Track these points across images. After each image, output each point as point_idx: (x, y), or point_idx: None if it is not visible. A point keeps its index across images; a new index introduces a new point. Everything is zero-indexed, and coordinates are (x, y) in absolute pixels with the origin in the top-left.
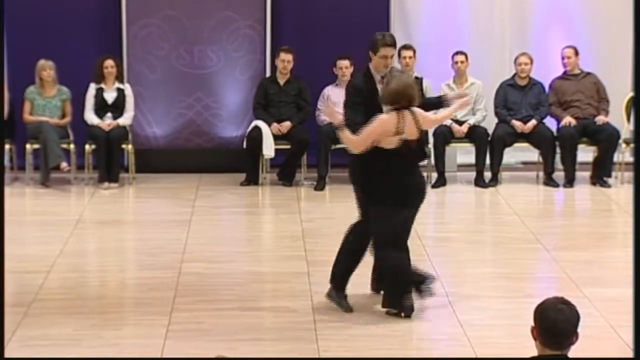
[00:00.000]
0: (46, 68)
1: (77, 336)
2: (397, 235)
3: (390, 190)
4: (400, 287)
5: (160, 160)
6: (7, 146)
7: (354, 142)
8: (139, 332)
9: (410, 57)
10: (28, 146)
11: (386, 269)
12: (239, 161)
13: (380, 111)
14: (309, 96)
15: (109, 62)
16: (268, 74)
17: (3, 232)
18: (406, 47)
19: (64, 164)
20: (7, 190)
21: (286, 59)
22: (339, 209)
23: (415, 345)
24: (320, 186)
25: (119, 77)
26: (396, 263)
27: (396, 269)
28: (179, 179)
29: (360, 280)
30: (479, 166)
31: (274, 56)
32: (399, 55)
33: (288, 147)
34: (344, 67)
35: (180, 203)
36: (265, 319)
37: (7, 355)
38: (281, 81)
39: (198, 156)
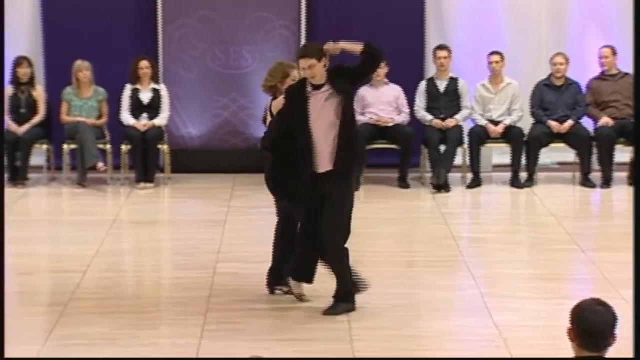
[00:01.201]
0: (82, 69)
1: (113, 335)
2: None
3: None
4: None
5: (195, 160)
6: (44, 146)
7: None
8: (175, 332)
9: (445, 58)
10: (65, 146)
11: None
12: None
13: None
14: None
15: (144, 63)
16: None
17: (3, 232)
18: (441, 47)
19: (100, 164)
20: (45, 190)
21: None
22: (373, 209)
23: (449, 346)
24: (355, 186)
25: (155, 78)
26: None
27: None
28: (214, 179)
29: (395, 281)
30: (514, 166)
31: None
32: (434, 55)
33: None
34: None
35: (215, 203)
36: (300, 319)
37: (45, 354)
38: None
39: (233, 156)
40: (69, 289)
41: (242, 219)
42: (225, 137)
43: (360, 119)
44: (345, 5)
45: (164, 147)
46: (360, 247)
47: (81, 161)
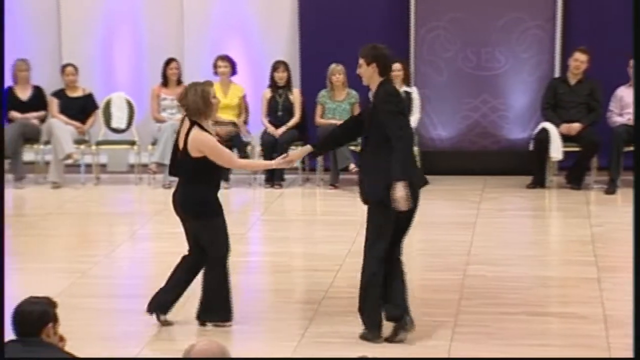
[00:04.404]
0: (336, 72)
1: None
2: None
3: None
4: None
5: (445, 161)
6: (299, 148)
7: None
8: (425, 333)
9: None
10: None
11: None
12: (525, 163)
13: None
14: (601, 97)
15: (397, 66)
16: (557, 75)
17: (3, 232)
18: None
19: (352, 166)
20: (300, 190)
21: (580, 59)
22: (631, 213)
23: None
24: (611, 189)
25: (406, 80)
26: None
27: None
28: (464, 181)
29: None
30: None
31: (563, 56)
32: None
33: (577, 149)
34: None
35: (465, 205)
36: (553, 324)
37: (300, 351)
38: (572, 81)
39: (483, 158)
40: (323, 288)
41: (492, 222)
42: (475, 139)
43: (618, 120)
44: (602, 4)
45: (415, 149)
46: (618, 253)
47: (334, 163)
